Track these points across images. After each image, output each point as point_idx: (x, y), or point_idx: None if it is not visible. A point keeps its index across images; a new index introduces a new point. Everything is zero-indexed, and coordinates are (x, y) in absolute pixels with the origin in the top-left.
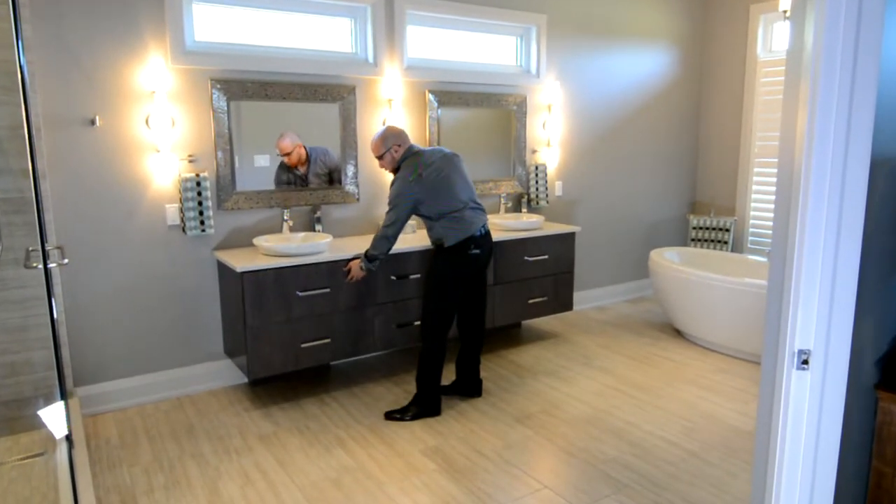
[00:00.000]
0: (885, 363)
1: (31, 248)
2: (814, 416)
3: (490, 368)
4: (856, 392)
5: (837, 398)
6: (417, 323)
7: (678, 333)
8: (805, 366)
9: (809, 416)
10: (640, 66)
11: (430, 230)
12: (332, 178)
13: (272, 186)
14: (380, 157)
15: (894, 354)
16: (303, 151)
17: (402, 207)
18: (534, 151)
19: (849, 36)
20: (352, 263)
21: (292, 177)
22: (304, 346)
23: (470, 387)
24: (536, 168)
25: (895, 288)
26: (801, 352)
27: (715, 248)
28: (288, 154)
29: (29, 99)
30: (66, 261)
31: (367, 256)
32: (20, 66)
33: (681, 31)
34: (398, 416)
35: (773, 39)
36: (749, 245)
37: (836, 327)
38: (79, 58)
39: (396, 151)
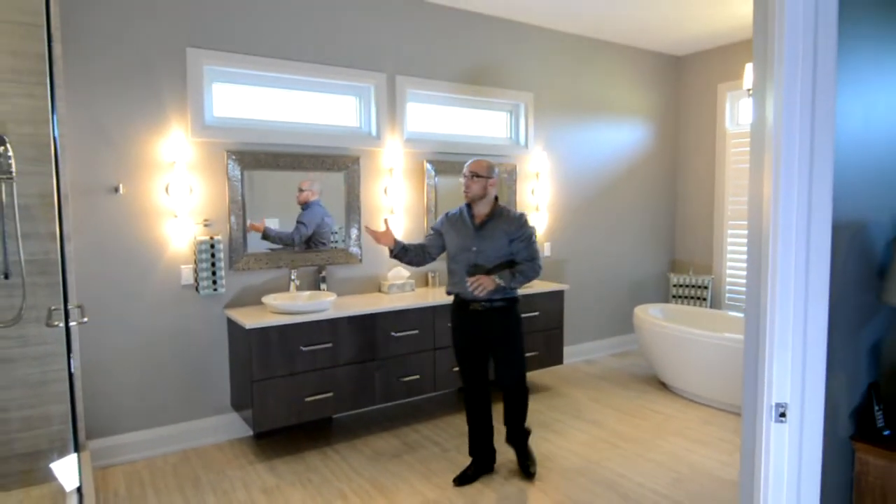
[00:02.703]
0: (858, 415)
1: (53, 307)
2: (794, 467)
3: None
4: (833, 443)
5: (815, 449)
6: (417, 377)
7: (663, 386)
8: (783, 419)
9: (790, 467)
10: (620, 137)
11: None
12: (321, 238)
13: (280, 248)
14: (476, 176)
15: (867, 407)
16: (311, 197)
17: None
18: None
19: (805, 111)
20: (484, 278)
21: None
22: (307, 399)
23: (490, 461)
24: None
25: (864, 342)
26: (778, 405)
27: (695, 305)
28: (301, 191)
29: (60, 169)
30: (85, 319)
31: (506, 283)
32: (54, 140)
33: (656, 106)
34: (534, 470)
35: (739, 114)
36: (726, 301)
37: (810, 381)
38: (107, 131)
39: (492, 186)
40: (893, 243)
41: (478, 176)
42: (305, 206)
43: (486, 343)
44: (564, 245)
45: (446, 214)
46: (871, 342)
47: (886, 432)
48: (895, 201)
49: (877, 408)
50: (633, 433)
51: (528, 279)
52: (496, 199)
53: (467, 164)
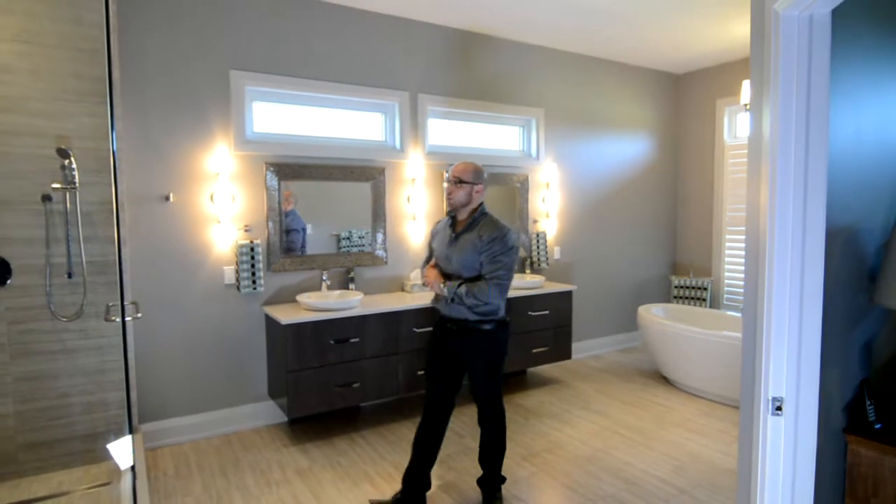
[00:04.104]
0: (851, 409)
1: (110, 304)
2: (789, 458)
3: None
4: (827, 436)
5: (810, 441)
6: None
7: (665, 380)
8: (779, 412)
9: (785, 458)
10: (625, 149)
11: (488, 303)
12: (291, 240)
13: (313, 252)
14: (461, 182)
15: (859, 401)
16: (287, 207)
17: (512, 266)
18: (535, 221)
19: (800, 124)
20: (434, 275)
21: None
22: (337, 389)
23: (422, 491)
24: (538, 235)
25: (856, 341)
26: (774, 399)
27: (695, 305)
28: (286, 197)
29: (117, 180)
30: (139, 315)
31: (457, 294)
32: (113, 154)
33: (658, 120)
34: None
35: (737, 127)
36: (725, 301)
37: (805, 377)
38: (159, 146)
39: (478, 193)
40: (884, 248)
41: (462, 182)
42: (286, 214)
43: (455, 364)
44: (573, 249)
45: (435, 226)
46: (863, 341)
47: (878, 426)
48: (885, 208)
49: (868, 403)
50: (637, 423)
51: (474, 301)
52: (480, 205)
53: (452, 166)
